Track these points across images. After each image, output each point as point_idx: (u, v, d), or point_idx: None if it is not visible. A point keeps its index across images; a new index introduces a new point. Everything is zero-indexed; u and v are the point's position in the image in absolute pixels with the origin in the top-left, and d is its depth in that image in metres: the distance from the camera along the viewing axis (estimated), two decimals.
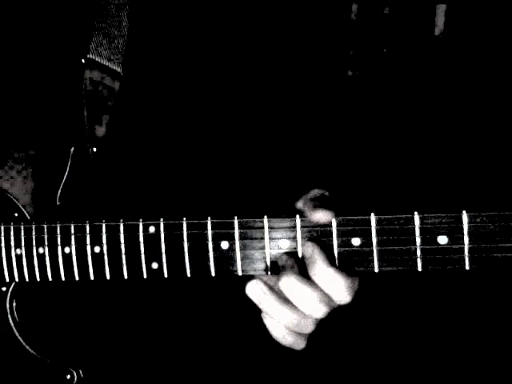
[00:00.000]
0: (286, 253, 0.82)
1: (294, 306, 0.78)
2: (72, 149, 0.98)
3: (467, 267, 0.76)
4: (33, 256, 0.97)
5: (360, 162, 1.28)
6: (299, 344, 0.82)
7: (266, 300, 0.80)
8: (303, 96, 1.23)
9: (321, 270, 0.77)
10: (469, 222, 0.75)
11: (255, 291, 0.81)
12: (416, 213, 0.77)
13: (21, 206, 0.99)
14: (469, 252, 0.75)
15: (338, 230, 0.81)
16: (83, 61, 0.95)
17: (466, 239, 0.75)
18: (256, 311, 1.06)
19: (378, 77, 1.42)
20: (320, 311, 0.77)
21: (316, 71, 1.29)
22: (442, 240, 0.77)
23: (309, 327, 0.81)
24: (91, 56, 0.96)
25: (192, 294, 1.09)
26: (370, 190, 1.04)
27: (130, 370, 1.08)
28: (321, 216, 0.78)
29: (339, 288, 0.77)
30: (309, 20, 1.30)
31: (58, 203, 0.95)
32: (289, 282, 0.78)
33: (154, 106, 1.05)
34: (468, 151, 1.27)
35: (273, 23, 1.22)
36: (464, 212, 0.75)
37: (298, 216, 0.83)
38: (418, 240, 0.77)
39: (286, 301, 0.79)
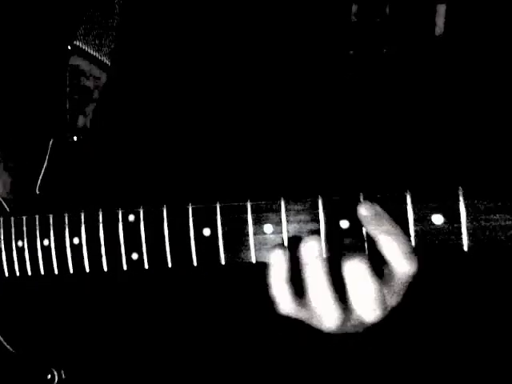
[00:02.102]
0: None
1: None
2: (51, 140, 0.94)
3: (465, 248, 0.70)
4: (12, 250, 0.93)
5: (358, 158, 1.24)
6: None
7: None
8: (303, 95, 1.20)
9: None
10: (465, 199, 0.69)
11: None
12: (408, 191, 0.72)
13: (0, 199, 0.96)
14: (467, 231, 0.69)
15: (324, 212, 0.75)
16: (69, 47, 0.92)
17: (464, 217, 0.69)
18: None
19: (378, 77, 1.39)
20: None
21: (316, 71, 1.26)
22: (438, 219, 0.71)
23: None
24: (78, 43, 0.93)
25: (176, 292, 1.05)
26: (359, 173, 0.99)
27: (113, 370, 1.04)
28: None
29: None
30: (308, 20, 1.28)
31: (37, 193, 0.91)
32: (303, 251, 0.72)
33: (139, 98, 1.01)
34: (466, 149, 1.23)
35: (272, 22, 1.20)
36: (460, 188, 0.69)
37: (282, 199, 0.78)
38: (412, 220, 0.72)
39: None
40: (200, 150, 1.01)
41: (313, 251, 0.73)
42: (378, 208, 0.72)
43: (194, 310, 1.07)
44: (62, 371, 0.93)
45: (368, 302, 0.72)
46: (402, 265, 0.71)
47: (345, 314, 0.74)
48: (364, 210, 0.73)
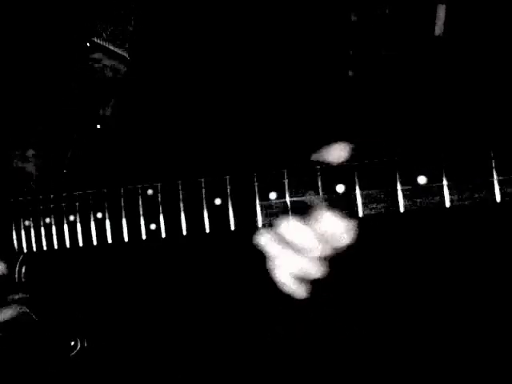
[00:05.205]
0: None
1: (297, 249, 0.82)
2: (77, 127, 1.04)
3: (447, 204, 0.78)
4: (40, 226, 1.02)
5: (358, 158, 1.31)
6: (301, 292, 0.86)
7: (273, 245, 0.85)
8: (303, 95, 1.28)
9: (319, 214, 0.81)
10: (446, 161, 0.78)
11: (263, 237, 0.86)
12: (396, 156, 0.81)
13: (30, 181, 1.05)
14: (448, 189, 0.78)
15: (321, 178, 0.84)
16: (88, 44, 1.03)
17: (445, 177, 0.78)
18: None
19: (377, 77, 1.46)
20: (318, 249, 0.81)
21: (316, 71, 1.34)
22: (422, 180, 0.80)
23: (311, 271, 0.84)
24: (96, 39, 1.04)
25: (196, 270, 1.13)
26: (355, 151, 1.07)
27: (134, 344, 1.11)
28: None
29: (337, 229, 0.81)
30: (309, 20, 1.36)
31: (64, 171, 1.00)
32: (288, 224, 0.82)
33: (154, 87, 1.11)
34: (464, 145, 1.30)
35: (274, 23, 1.28)
36: (442, 150, 0.79)
37: (285, 169, 0.87)
38: (399, 182, 0.81)
39: (289, 245, 0.84)
40: (208, 130, 1.10)
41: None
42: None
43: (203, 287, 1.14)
44: (85, 340, 1.00)
45: None
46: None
47: None
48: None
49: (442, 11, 1.57)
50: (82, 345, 1.01)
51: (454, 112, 1.37)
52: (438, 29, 1.57)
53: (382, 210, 0.81)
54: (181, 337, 1.11)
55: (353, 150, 0.85)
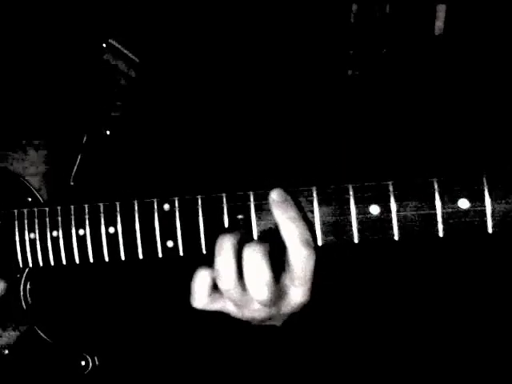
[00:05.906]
0: None
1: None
2: (86, 133, 0.98)
3: (490, 230, 0.74)
4: (47, 240, 0.96)
5: (360, 160, 1.28)
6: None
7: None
8: (303, 95, 1.23)
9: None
10: (489, 183, 0.74)
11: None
12: (435, 177, 0.76)
13: (34, 190, 0.99)
14: (491, 214, 0.74)
15: (355, 197, 0.79)
16: (104, 45, 0.96)
17: (488, 200, 0.74)
18: None
19: (377, 76, 1.43)
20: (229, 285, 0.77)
21: (316, 71, 1.29)
22: (463, 203, 0.75)
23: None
24: (112, 41, 0.97)
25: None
26: (387, 162, 1.03)
27: (146, 357, 1.07)
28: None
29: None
30: (309, 20, 1.31)
31: (71, 183, 0.94)
32: (219, 241, 0.79)
33: (166, 93, 1.06)
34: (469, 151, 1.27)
35: (274, 23, 1.23)
36: (484, 172, 0.74)
37: (314, 186, 0.82)
38: (438, 204, 0.76)
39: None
40: (226, 141, 1.05)
41: (223, 245, 0.79)
42: (287, 197, 0.80)
43: None
44: (96, 358, 0.96)
45: (258, 284, 0.76)
46: (299, 250, 0.77)
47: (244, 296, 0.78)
48: (275, 195, 0.80)
49: (441, 11, 1.54)
50: (93, 363, 0.96)
51: (455, 113, 1.34)
52: (438, 29, 1.54)
53: (419, 234, 0.77)
54: (193, 350, 1.07)
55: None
